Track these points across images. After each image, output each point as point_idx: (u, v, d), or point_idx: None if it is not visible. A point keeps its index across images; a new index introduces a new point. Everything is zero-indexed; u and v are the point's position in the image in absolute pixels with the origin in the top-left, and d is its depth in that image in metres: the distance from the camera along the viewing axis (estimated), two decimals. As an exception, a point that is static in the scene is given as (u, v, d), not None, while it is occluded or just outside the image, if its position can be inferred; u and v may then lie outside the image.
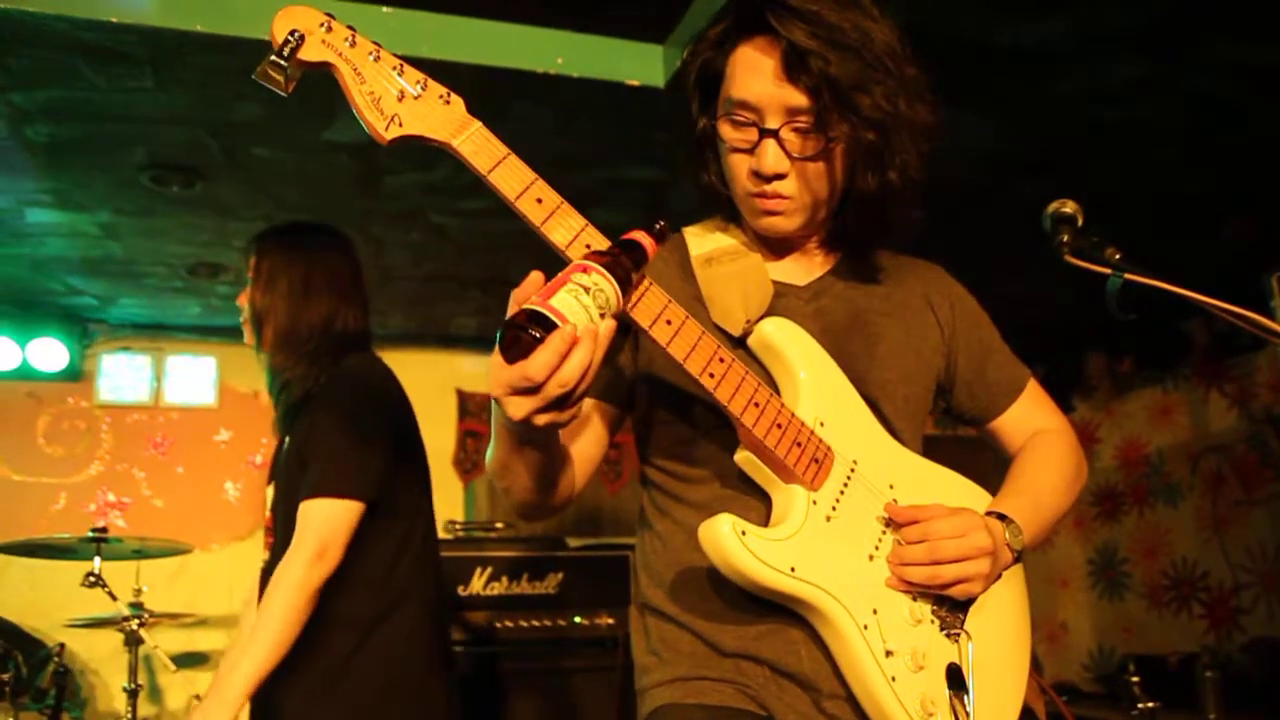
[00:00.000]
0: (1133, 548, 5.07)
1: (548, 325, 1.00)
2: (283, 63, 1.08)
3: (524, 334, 1.00)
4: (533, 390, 1.00)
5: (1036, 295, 4.31)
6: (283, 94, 1.11)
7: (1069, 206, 1.30)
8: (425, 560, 2.23)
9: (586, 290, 1.03)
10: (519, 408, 1.01)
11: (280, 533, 2.15)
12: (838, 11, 1.27)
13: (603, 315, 1.05)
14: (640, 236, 1.14)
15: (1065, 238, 1.28)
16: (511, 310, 1.05)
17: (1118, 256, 1.25)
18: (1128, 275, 1.22)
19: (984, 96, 2.95)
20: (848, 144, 1.29)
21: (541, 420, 1.03)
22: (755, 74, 1.29)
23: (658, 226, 1.17)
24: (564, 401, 1.02)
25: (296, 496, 2.08)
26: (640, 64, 2.93)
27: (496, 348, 1.03)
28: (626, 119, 3.06)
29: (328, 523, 2.03)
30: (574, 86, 2.88)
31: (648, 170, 3.41)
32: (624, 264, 1.09)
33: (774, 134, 1.29)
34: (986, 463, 1.58)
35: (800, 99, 1.26)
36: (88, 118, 2.99)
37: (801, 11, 1.25)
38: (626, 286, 1.09)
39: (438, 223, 3.83)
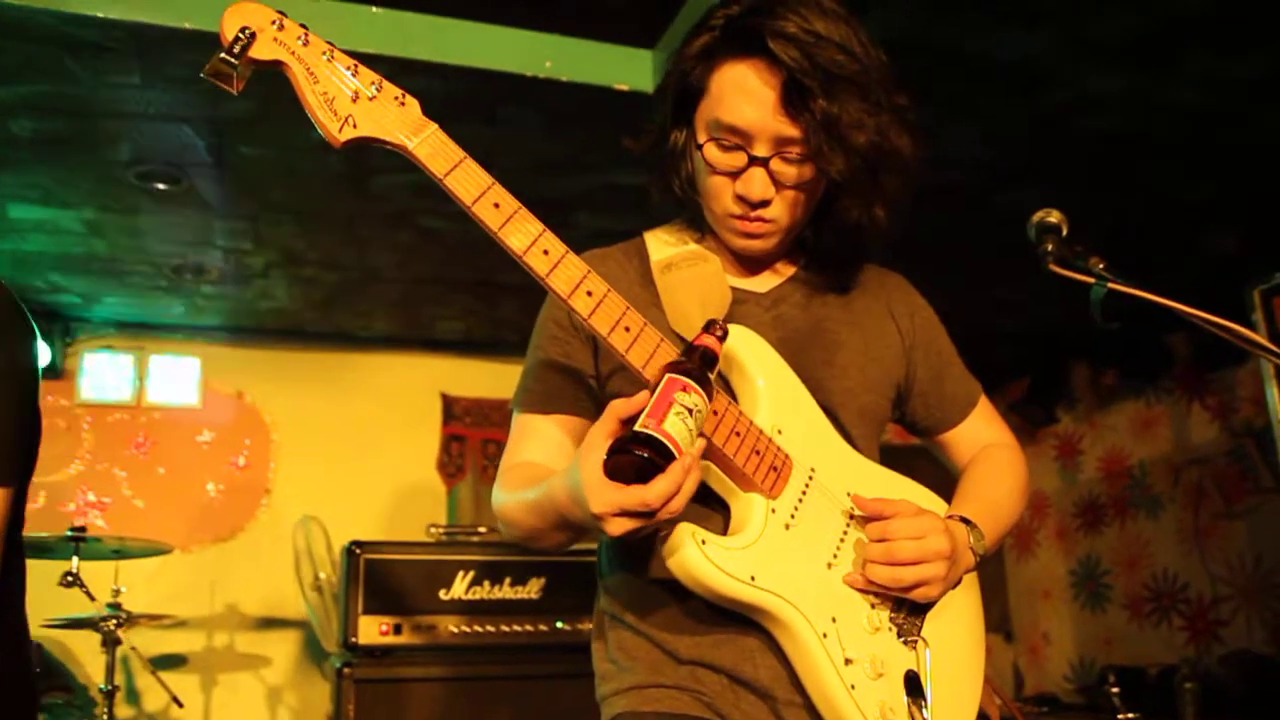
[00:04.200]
0: (1114, 559, 5.08)
1: (664, 453, 1.01)
2: (233, 60, 1.06)
3: (642, 459, 1.01)
4: (646, 515, 1.03)
5: (1021, 305, 4.33)
6: (233, 92, 1.09)
7: (1054, 216, 1.31)
8: (20, 555, 1.70)
9: (690, 412, 1.05)
10: (621, 527, 1.04)
11: None
12: (833, 36, 1.23)
13: (698, 435, 1.07)
14: (709, 342, 1.15)
15: (1049, 247, 1.29)
16: (610, 424, 1.07)
17: (1101, 266, 1.25)
18: (1111, 284, 1.23)
19: (970, 107, 2.96)
20: (837, 174, 1.27)
21: (630, 535, 1.05)
22: (749, 100, 1.25)
23: (718, 330, 1.16)
24: (662, 524, 1.05)
25: None
26: (629, 69, 2.92)
27: (596, 466, 1.04)
28: (615, 123, 3.04)
29: None
30: (562, 90, 2.88)
31: (636, 175, 3.40)
32: (709, 377, 1.10)
33: (764, 163, 1.27)
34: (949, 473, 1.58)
35: (793, 131, 1.25)
36: (73, 113, 2.97)
37: (801, 41, 1.21)
38: (712, 398, 1.11)
39: (425, 225, 3.81)
